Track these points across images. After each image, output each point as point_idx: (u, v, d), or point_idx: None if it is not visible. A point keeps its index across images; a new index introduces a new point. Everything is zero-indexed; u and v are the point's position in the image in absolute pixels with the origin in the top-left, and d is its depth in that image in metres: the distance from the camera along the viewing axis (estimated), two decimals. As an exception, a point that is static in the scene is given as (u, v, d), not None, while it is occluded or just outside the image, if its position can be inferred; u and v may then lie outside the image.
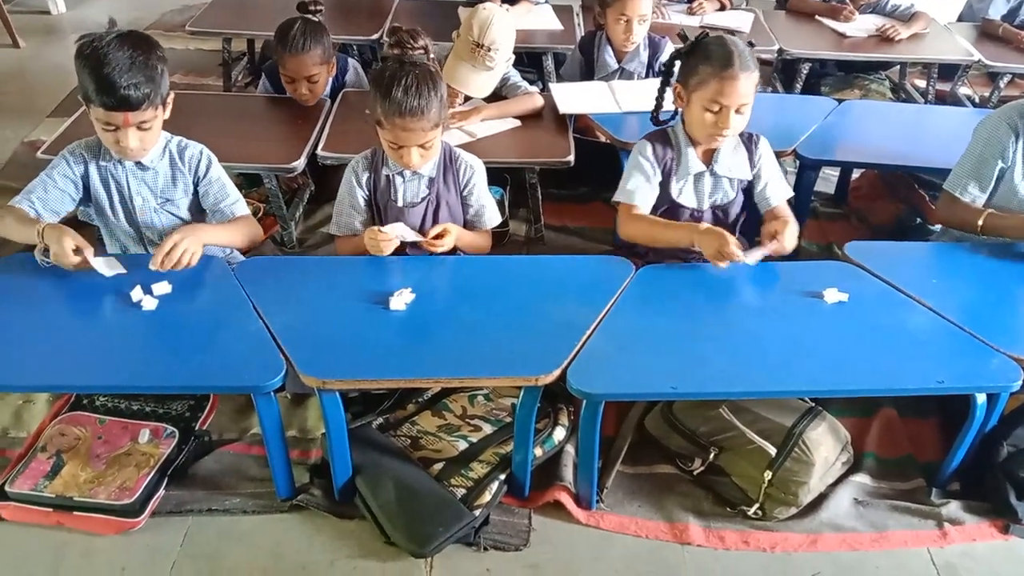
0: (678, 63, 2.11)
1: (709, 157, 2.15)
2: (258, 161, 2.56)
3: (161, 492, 1.90)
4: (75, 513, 1.83)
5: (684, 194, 2.17)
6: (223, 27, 3.66)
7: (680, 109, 2.14)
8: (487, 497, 1.86)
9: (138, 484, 1.87)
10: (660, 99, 2.25)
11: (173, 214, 2.10)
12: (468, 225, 2.20)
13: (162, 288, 1.86)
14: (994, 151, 2.17)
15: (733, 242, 1.93)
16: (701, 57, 2.00)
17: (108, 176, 2.05)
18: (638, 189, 2.13)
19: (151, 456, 1.95)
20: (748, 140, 2.18)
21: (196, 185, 2.10)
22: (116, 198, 2.07)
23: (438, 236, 2.04)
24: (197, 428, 2.06)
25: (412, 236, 2.05)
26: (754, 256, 1.98)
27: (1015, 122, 2.16)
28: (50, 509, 1.84)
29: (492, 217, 2.21)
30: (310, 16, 2.87)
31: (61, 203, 2.02)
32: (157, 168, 2.05)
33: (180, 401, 2.11)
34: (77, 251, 1.85)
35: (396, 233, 2.01)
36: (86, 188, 2.05)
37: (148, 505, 1.86)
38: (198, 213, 2.14)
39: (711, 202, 2.19)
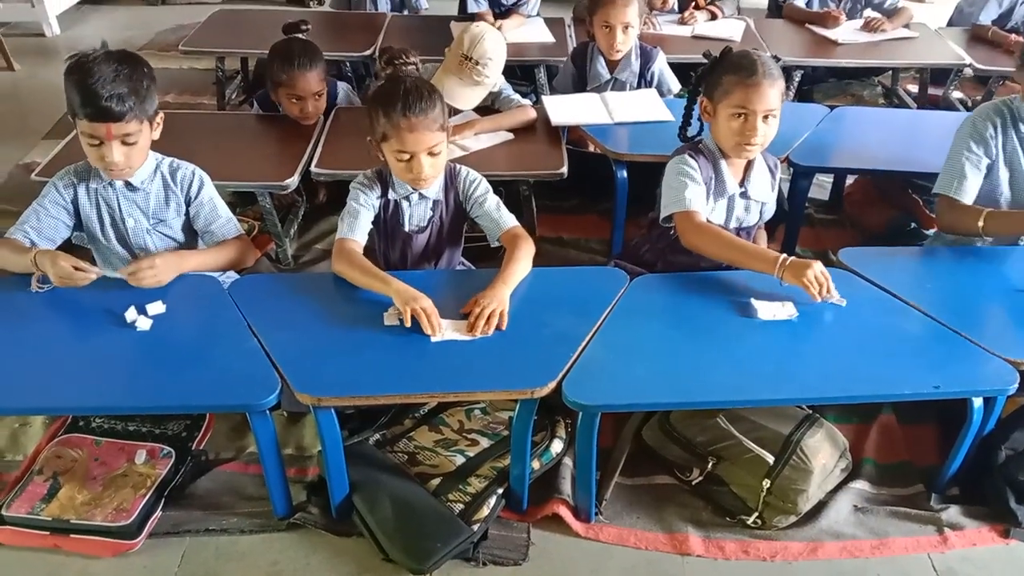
0: (701, 82, 2.11)
1: (742, 178, 2.15)
2: (252, 179, 2.56)
3: (158, 513, 1.90)
4: (72, 536, 1.83)
5: (715, 213, 2.15)
6: (216, 46, 3.65)
7: (707, 124, 2.13)
8: (485, 512, 1.85)
9: (135, 505, 1.86)
10: (687, 118, 2.25)
11: (166, 235, 2.11)
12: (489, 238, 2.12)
13: (156, 308, 1.86)
14: (978, 146, 2.19)
15: (820, 268, 1.88)
16: (726, 68, 2.01)
17: (99, 199, 2.05)
18: (695, 196, 2.04)
19: (148, 477, 1.94)
20: (773, 165, 2.21)
21: (188, 206, 2.10)
22: (108, 221, 2.07)
23: (483, 317, 1.81)
24: (193, 448, 2.06)
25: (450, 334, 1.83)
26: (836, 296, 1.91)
27: (993, 119, 2.20)
28: (47, 532, 1.83)
29: (507, 218, 2.09)
30: (299, 35, 2.89)
31: (55, 230, 2.03)
32: (148, 189, 2.06)
33: (176, 421, 2.11)
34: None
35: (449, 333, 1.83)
36: (77, 213, 2.06)
37: (145, 526, 1.85)
38: (191, 234, 2.15)
39: (737, 222, 2.19)
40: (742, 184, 2.14)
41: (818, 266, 1.88)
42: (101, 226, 2.07)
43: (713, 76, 2.05)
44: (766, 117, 1.99)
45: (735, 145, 2.04)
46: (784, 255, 1.92)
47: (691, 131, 2.24)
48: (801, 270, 1.87)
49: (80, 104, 1.83)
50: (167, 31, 5.01)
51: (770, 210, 2.25)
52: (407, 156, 1.94)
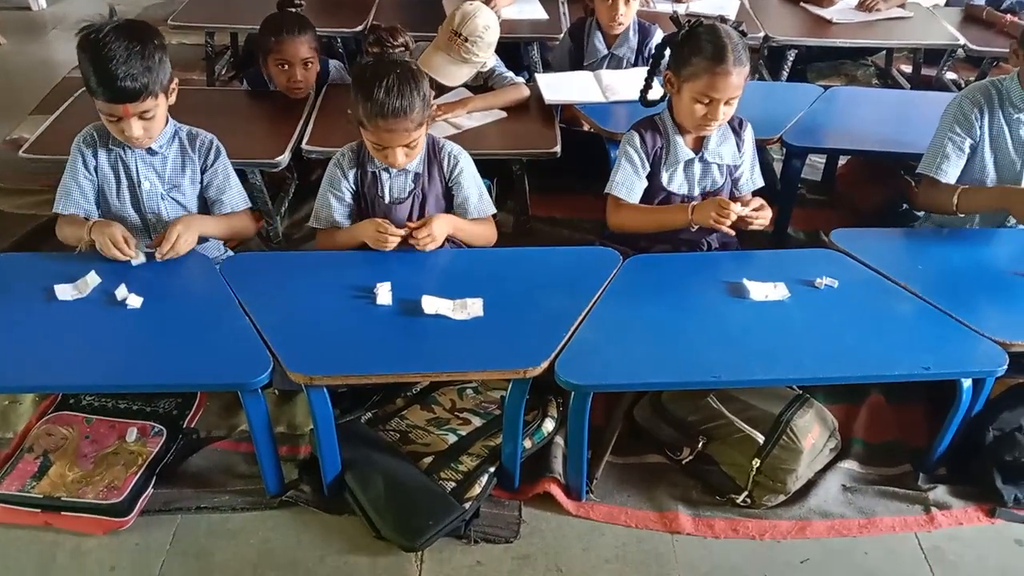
0: (668, 49, 2.11)
1: (698, 144, 2.16)
2: (242, 156, 2.51)
3: (149, 491, 1.90)
4: (63, 513, 1.82)
5: (675, 181, 2.18)
6: (206, 21, 3.61)
7: (669, 95, 2.14)
8: (477, 490, 1.86)
9: (126, 483, 1.86)
10: (648, 83, 2.26)
11: (179, 202, 2.11)
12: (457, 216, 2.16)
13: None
14: (962, 128, 2.20)
15: (726, 202, 2.01)
16: (694, 48, 1.99)
17: (117, 160, 2.06)
18: (626, 182, 2.16)
19: (139, 455, 1.94)
20: (737, 125, 2.20)
21: (202, 173, 2.11)
22: (124, 183, 2.08)
23: (420, 228, 1.98)
24: (185, 426, 2.06)
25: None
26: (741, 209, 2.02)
27: (979, 100, 2.20)
28: (38, 510, 1.83)
29: (481, 206, 2.15)
30: (292, 11, 2.87)
31: (95, 191, 2.07)
32: (166, 154, 2.07)
33: (167, 399, 2.10)
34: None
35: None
36: (96, 172, 2.07)
37: (136, 504, 1.85)
38: (204, 205, 2.16)
39: (701, 188, 2.21)
40: (699, 150, 2.16)
41: (718, 200, 2.03)
42: (117, 188, 2.08)
43: (682, 52, 2.04)
44: (728, 100, 2.02)
45: (695, 125, 2.09)
46: (693, 203, 2.09)
47: (652, 95, 2.26)
48: (706, 211, 2.02)
49: (96, 85, 1.84)
50: (155, 6, 4.92)
51: (747, 174, 2.25)
52: (381, 147, 1.96)
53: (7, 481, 1.87)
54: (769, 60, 3.84)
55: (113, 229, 1.92)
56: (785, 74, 3.70)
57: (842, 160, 3.23)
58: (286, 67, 2.76)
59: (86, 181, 2.05)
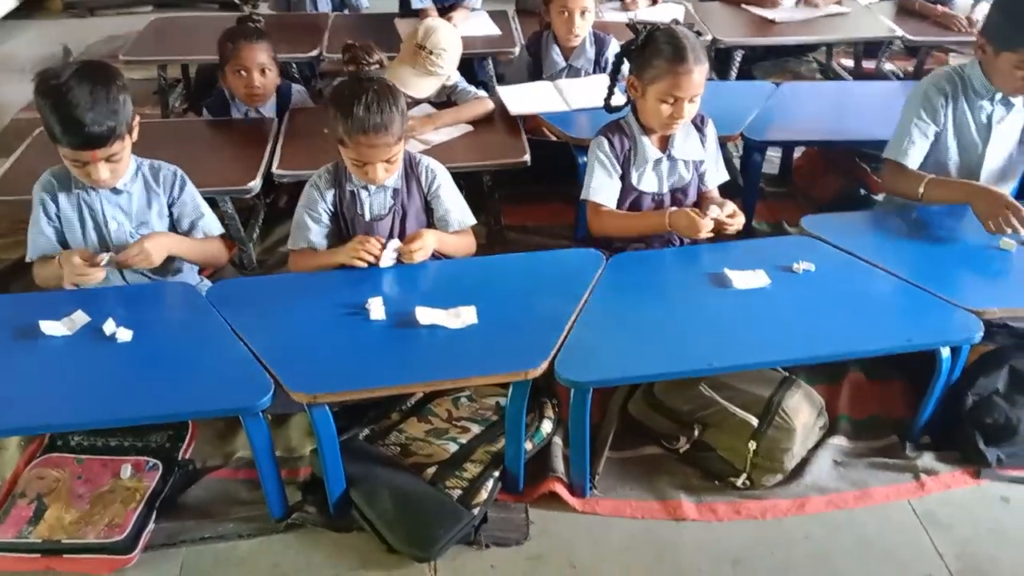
0: (627, 58, 2.17)
1: (664, 143, 2.23)
2: (212, 185, 2.50)
3: (151, 525, 1.86)
4: (65, 556, 1.78)
5: (644, 180, 2.24)
6: (158, 54, 3.60)
7: (633, 99, 2.20)
8: (483, 495, 1.87)
9: (127, 520, 1.83)
10: (611, 91, 2.31)
11: None
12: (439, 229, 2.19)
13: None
14: (927, 115, 2.28)
15: (696, 214, 2.09)
16: (655, 51, 2.07)
17: (81, 203, 2.03)
18: (602, 187, 2.21)
19: (136, 490, 1.91)
20: (699, 122, 2.27)
21: (171, 207, 2.09)
22: (90, 225, 2.04)
23: (413, 241, 2.02)
24: (180, 458, 2.02)
25: (392, 254, 2.03)
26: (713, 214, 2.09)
27: (944, 87, 2.28)
28: (38, 555, 1.78)
29: (462, 218, 2.19)
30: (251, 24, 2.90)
31: (58, 235, 2.06)
32: (131, 191, 2.05)
33: (159, 432, 2.07)
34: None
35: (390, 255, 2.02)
36: (59, 219, 2.04)
37: (140, 540, 1.82)
38: None
39: (670, 184, 2.27)
40: (665, 149, 2.23)
41: (688, 213, 2.08)
42: (83, 230, 2.05)
43: (643, 56, 2.11)
44: (692, 98, 2.09)
45: (662, 125, 2.15)
46: (671, 208, 2.17)
47: (615, 101, 2.32)
48: (681, 221, 2.09)
49: (60, 133, 1.82)
50: (99, 43, 4.86)
51: (712, 168, 2.32)
52: (362, 163, 1.99)
53: (2, 529, 1.81)
54: (717, 62, 3.95)
55: (73, 258, 1.91)
56: (734, 74, 3.80)
57: (797, 152, 3.34)
58: (244, 73, 2.79)
59: (50, 228, 2.03)
